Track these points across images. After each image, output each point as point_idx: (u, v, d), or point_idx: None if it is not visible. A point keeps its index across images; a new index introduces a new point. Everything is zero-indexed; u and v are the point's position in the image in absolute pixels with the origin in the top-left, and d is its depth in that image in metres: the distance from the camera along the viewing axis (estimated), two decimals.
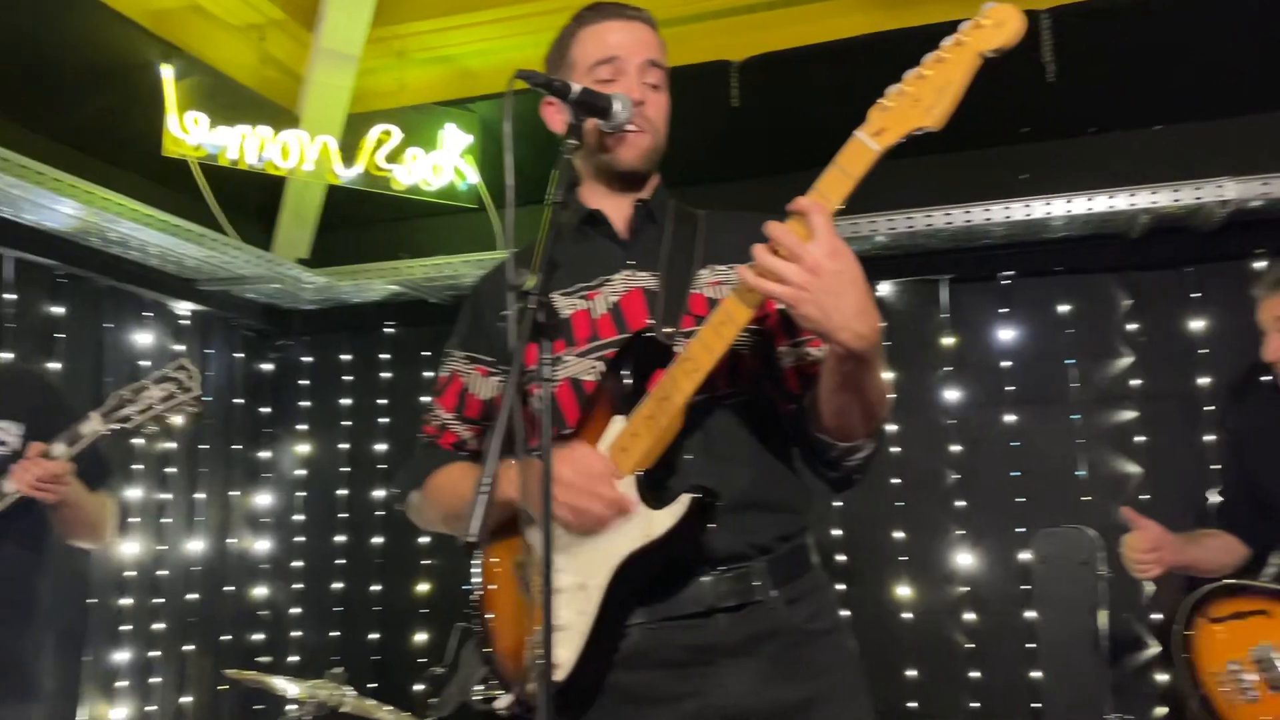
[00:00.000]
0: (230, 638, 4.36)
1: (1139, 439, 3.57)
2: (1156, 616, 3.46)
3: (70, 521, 2.54)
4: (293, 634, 4.47)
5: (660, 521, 1.47)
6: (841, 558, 3.79)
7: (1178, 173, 3.29)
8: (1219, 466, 3.26)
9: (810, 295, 1.32)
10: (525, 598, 1.59)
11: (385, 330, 4.50)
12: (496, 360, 1.75)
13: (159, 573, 4.03)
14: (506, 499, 1.41)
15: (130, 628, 3.86)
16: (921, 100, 1.30)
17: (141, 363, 3.93)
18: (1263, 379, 3.29)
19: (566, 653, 1.52)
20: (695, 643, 1.54)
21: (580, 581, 1.53)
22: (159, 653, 3.99)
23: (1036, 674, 3.46)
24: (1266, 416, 2.84)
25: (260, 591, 4.52)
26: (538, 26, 3.77)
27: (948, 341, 3.78)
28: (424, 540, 4.28)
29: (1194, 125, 3.53)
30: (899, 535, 3.73)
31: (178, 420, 2.48)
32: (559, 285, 1.67)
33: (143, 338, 3.97)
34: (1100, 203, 3.28)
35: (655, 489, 1.51)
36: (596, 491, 1.48)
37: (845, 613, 3.75)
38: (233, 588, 4.40)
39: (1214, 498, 3.16)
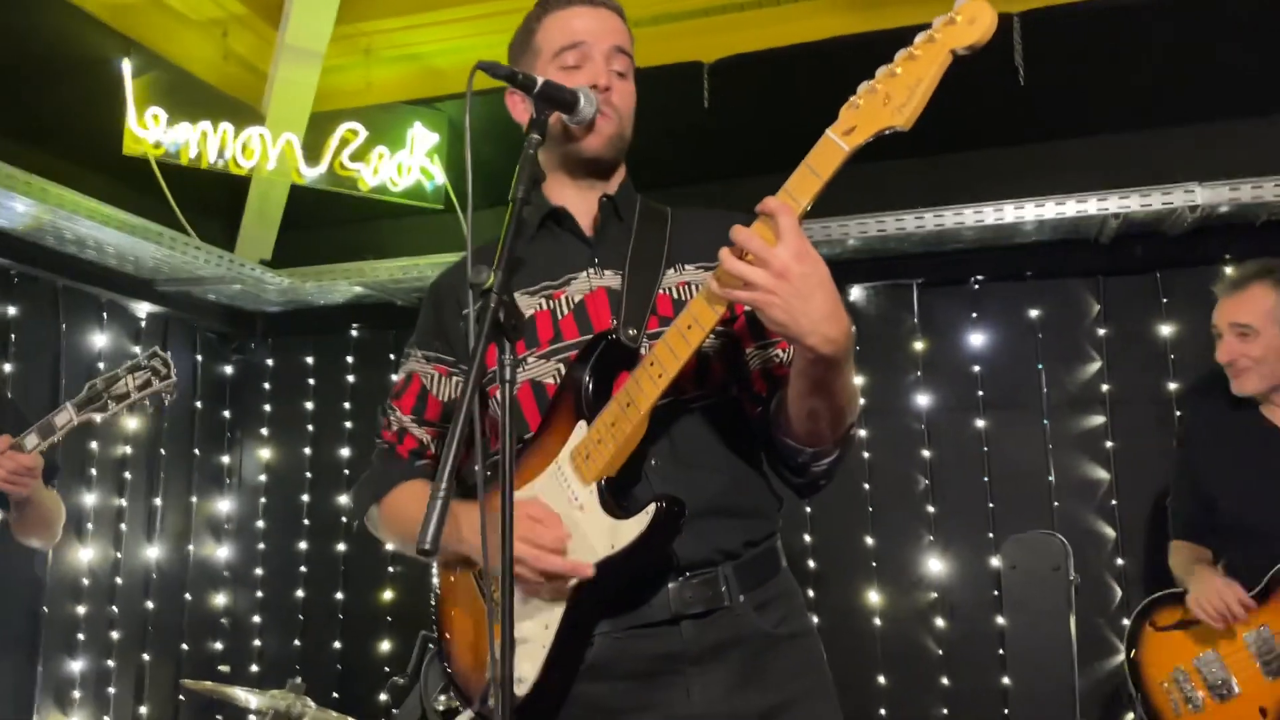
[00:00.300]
0: (189, 647, 4.27)
1: (1108, 444, 3.56)
2: (1126, 622, 3.45)
3: (30, 519, 2.49)
4: (254, 643, 4.39)
5: (625, 532, 1.43)
6: (812, 563, 3.76)
7: (1147, 178, 3.30)
8: None
9: (778, 300, 1.29)
10: (486, 610, 1.54)
11: (350, 333, 4.43)
12: (457, 360, 1.69)
13: (116, 580, 3.95)
14: (462, 554, 1.40)
15: (86, 636, 3.77)
16: (892, 98, 1.27)
17: (99, 364, 3.84)
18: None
19: (529, 667, 1.48)
20: (661, 651, 1.51)
21: (541, 594, 1.49)
22: (116, 662, 3.90)
23: (1006, 680, 3.44)
24: (1217, 421, 2.86)
25: (221, 599, 4.44)
26: (507, 25, 3.68)
27: (918, 346, 3.76)
28: (389, 547, 4.20)
29: (1163, 130, 3.53)
30: (869, 541, 3.71)
31: (148, 407, 2.47)
32: (522, 284, 1.64)
33: (99, 339, 3.89)
34: (1070, 207, 3.27)
35: (620, 497, 1.46)
36: (546, 569, 1.43)
37: (815, 619, 3.73)
38: (192, 595, 4.31)
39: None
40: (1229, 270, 2.90)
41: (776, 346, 1.61)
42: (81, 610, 3.76)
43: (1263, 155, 3.32)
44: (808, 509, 3.74)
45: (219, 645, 4.41)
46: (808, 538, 3.76)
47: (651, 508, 1.41)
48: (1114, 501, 3.52)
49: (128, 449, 3.99)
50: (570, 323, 1.60)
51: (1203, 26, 3.38)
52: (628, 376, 1.47)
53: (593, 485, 1.47)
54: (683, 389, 1.54)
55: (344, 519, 4.30)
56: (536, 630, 1.48)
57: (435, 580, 1.72)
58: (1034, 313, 3.67)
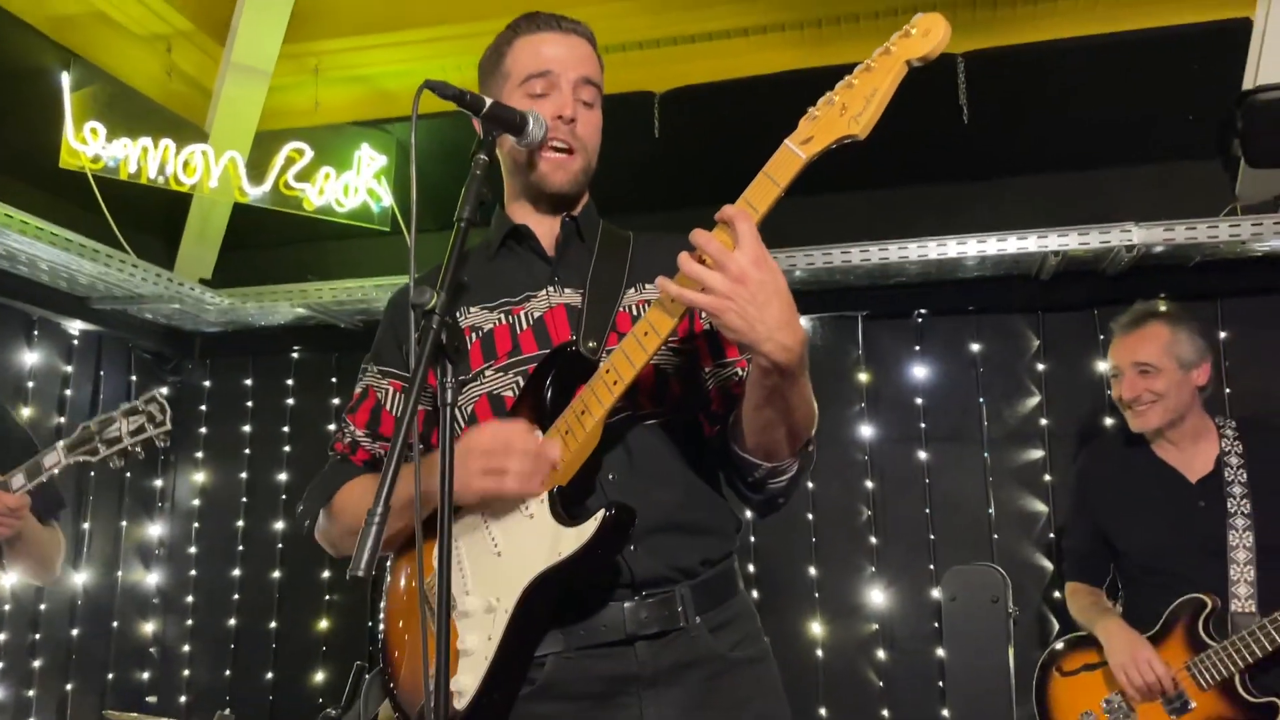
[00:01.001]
0: (115, 676, 4.13)
1: (1047, 477, 3.61)
2: None
3: (22, 555, 2.43)
4: (183, 672, 4.26)
5: (571, 540, 1.41)
6: (755, 593, 3.75)
7: (1086, 217, 3.37)
8: None
9: (734, 304, 1.29)
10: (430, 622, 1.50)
11: (291, 355, 4.35)
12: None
13: (40, 606, 3.81)
14: (408, 499, 1.35)
15: (6, 664, 3.63)
16: (849, 108, 1.30)
17: (28, 383, 3.73)
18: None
19: (469, 679, 1.45)
20: (614, 672, 1.48)
21: (487, 604, 1.46)
22: (37, 691, 3.76)
23: (946, 713, 3.45)
24: (1112, 462, 2.95)
25: (149, 627, 4.30)
26: (457, 49, 3.72)
27: (863, 377, 3.79)
28: (325, 575, 4.13)
29: (1102, 171, 3.62)
30: (813, 571, 3.71)
31: (140, 454, 2.40)
32: (483, 299, 1.64)
33: (29, 357, 3.77)
34: (1012, 244, 3.32)
35: (572, 507, 1.45)
36: (515, 448, 1.41)
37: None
38: (120, 623, 4.18)
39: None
40: (1124, 314, 2.98)
41: (735, 365, 1.61)
42: (2, 637, 3.61)
43: (1197, 198, 3.42)
44: (751, 538, 3.74)
45: (146, 675, 4.27)
46: (751, 567, 3.75)
47: (600, 514, 1.40)
48: (1051, 534, 3.57)
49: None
50: (529, 337, 1.60)
51: (1142, 71, 3.47)
52: (584, 388, 1.47)
53: (545, 494, 1.45)
54: (641, 405, 1.54)
55: (280, 545, 4.21)
56: (479, 642, 1.45)
57: (384, 592, 1.68)
58: (975, 347, 3.72)
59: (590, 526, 1.40)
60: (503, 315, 1.62)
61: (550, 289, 1.63)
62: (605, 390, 1.42)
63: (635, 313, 1.60)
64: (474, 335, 1.60)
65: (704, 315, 1.43)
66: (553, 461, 1.44)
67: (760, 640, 1.63)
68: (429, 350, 1.26)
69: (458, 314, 1.61)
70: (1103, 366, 3.59)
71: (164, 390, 2.44)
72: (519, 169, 1.66)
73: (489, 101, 1.48)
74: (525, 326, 1.60)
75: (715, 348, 1.61)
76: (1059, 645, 2.90)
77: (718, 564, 1.58)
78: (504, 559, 1.47)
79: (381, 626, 1.64)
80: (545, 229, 1.69)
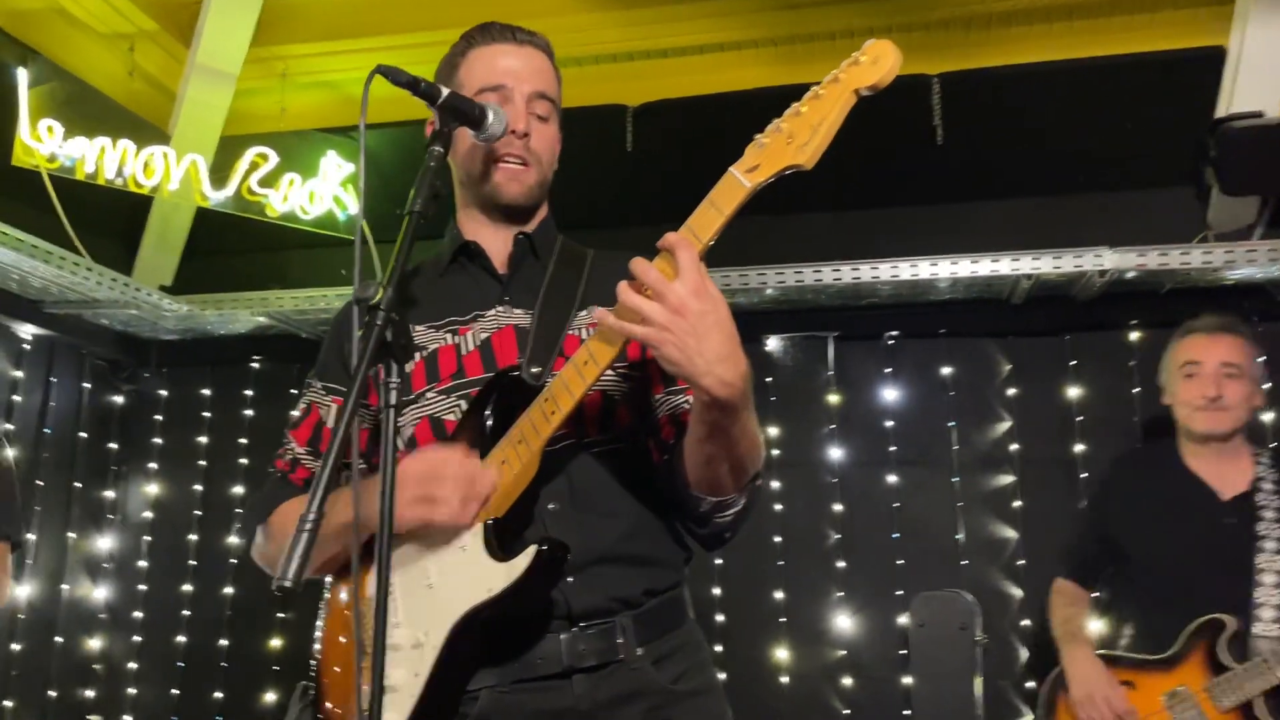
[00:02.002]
0: (57, 694, 3.98)
1: (1016, 503, 3.57)
2: (1031, 685, 3.43)
3: None
4: (128, 690, 4.11)
5: (501, 576, 1.34)
6: (720, 617, 3.67)
7: (1059, 241, 3.35)
8: None
9: (673, 336, 1.24)
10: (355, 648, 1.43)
11: (251, 365, 4.25)
12: (360, 393, 1.59)
13: None
14: (345, 523, 1.29)
15: None
16: (796, 137, 1.25)
17: None
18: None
19: (394, 717, 1.37)
20: (550, 707, 1.41)
21: (415, 638, 1.39)
22: None
23: None
24: (1141, 470, 2.90)
25: (95, 643, 4.16)
26: (427, 56, 3.63)
27: (833, 399, 3.74)
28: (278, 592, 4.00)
29: (1075, 196, 3.61)
30: (779, 595, 3.65)
31: None
32: (429, 318, 1.57)
33: None
34: (984, 266, 3.30)
35: (506, 539, 1.38)
36: (448, 475, 1.35)
37: (722, 675, 3.64)
38: (64, 638, 4.03)
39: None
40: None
41: (685, 393, 1.54)
42: None
43: (1169, 226, 3.41)
44: (717, 560, 3.66)
45: (90, 693, 4.11)
46: (716, 590, 3.68)
47: (531, 550, 1.34)
48: (1021, 561, 3.52)
49: None
50: (475, 359, 1.53)
51: (1115, 97, 3.47)
52: (523, 416, 1.40)
53: (478, 526, 1.38)
54: (586, 432, 1.48)
55: (233, 560, 4.09)
56: (406, 678, 1.38)
57: (320, 617, 1.60)
58: (946, 370, 3.69)
59: (521, 563, 1.33)
60: (449, 335, 1.56)
61: (499, 309, 1.57)
62: (542, 419, 1.37)
63: (584, 335, 1.53)
64: (417, 355, 1.54)
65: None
66: (487, 491, 1.38)
67: (707, 671, 1.55)
68: (372, 348, 1.18)
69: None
70: (1073, 393, 3.57)
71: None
72: (471, 180, 1.61)
73: (445, 91, 1.41)
74: (471, 348, 1.54)
75: (666, 374, 1.54)
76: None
77: (662, 593, 1.52)
78: (435, 592, 1.41)
79: (316, 648, 1.57)
80: (498, 245, 1.63)
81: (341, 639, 1.54)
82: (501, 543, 1.37)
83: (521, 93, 1.57)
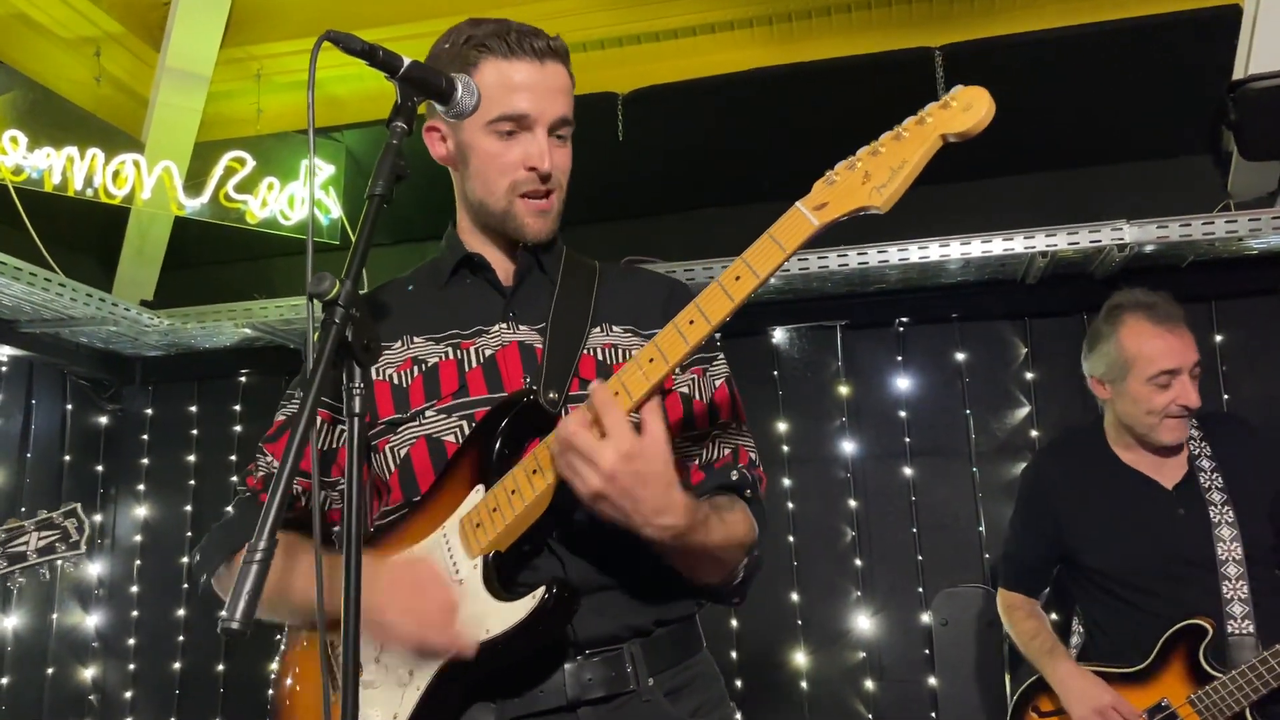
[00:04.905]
0: None
1: None
2: None
3: None
4: None
5: (506, 616, 1.24)
6: (734, 623, 3.53)
7: (1071, 217, 3.20)
8: None
9: (608, 500, 1.21)
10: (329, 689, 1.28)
11: (238, 378, 4.11)
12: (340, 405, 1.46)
13: None
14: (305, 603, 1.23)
15: None
16: (872, 177, 1.17)
17: None
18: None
19: None
20: None
21: (398, 677, 1.26)
22: None
23: None
24: (1085, 475, 2.63)
25: (88, 673, 4.02)
26: (411, 50, 3.52)
27: (843, 390, 3.60)
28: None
29: (1090, 170, 3.47)
30: (794, 597, 3.50)
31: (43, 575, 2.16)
32: (429, 330, 1.46)
33: None
34: (997, 245, 3.15)
35: (508, 575, 1.28)
36: (431, 645, 1.26)
37: (738, 683, 3.49)
38: (55, 669, 3.89)
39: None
40: (1142, 295, 2.58)
41: (700, 445, 1.47)
42: None
43: (1186, 196, 3.27)
44: None
45: None
46: None
47: (540, 591, 1.24)
48: None
49: None
50: (479, 377, 1.43)
51: (1127, 63, 3.33)
52: (539, 444, 1.30)
53: (479, 559, 1.28)
54: None
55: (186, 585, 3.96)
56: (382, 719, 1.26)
57: (282, 647, 1.46)
58: (960, 356, 3.54)
59: (524, 606, 1.24)
60: (450, 349, 1.46)
61: (504, 325, 1.48)
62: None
63: (599, 356, 1.45)
64: (416, 369, 1.45)
65: (675, 384, 1.46)
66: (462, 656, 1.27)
67: (724, 707, 1.45)
68: (331, 348, 1.04)
69: (401, 341, 1.47)
70: None
71: (94, 518, 2.20)
72: (488, 209, 1.49)
73: (406, 61, 1.27)
74: (475, 364, 1.44)
75: (687, 421, 1.47)
76: (1035, 680, 2.57)
77: (674, 623, 1.42)
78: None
79: (272, 678, 1.46)
80: (501, 258, 1.53)
81: (294, 684, 1.43)
82: (502, 578, 1.28)
83: (544, 123, 1.45)
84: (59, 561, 2.18)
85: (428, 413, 1.42)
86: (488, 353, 1.45)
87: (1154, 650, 2.39)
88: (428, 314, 1.49)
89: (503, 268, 1.53)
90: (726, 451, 1.47)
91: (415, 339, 1.47)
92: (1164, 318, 2.51)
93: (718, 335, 1.41)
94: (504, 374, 1.43)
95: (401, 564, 1.32)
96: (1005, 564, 2.79)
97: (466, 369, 1.44)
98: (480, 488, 1.32)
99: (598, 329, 1.47)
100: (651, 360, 1.24)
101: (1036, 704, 2.54)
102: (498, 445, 1.32)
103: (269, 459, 1.55)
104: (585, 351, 1.44)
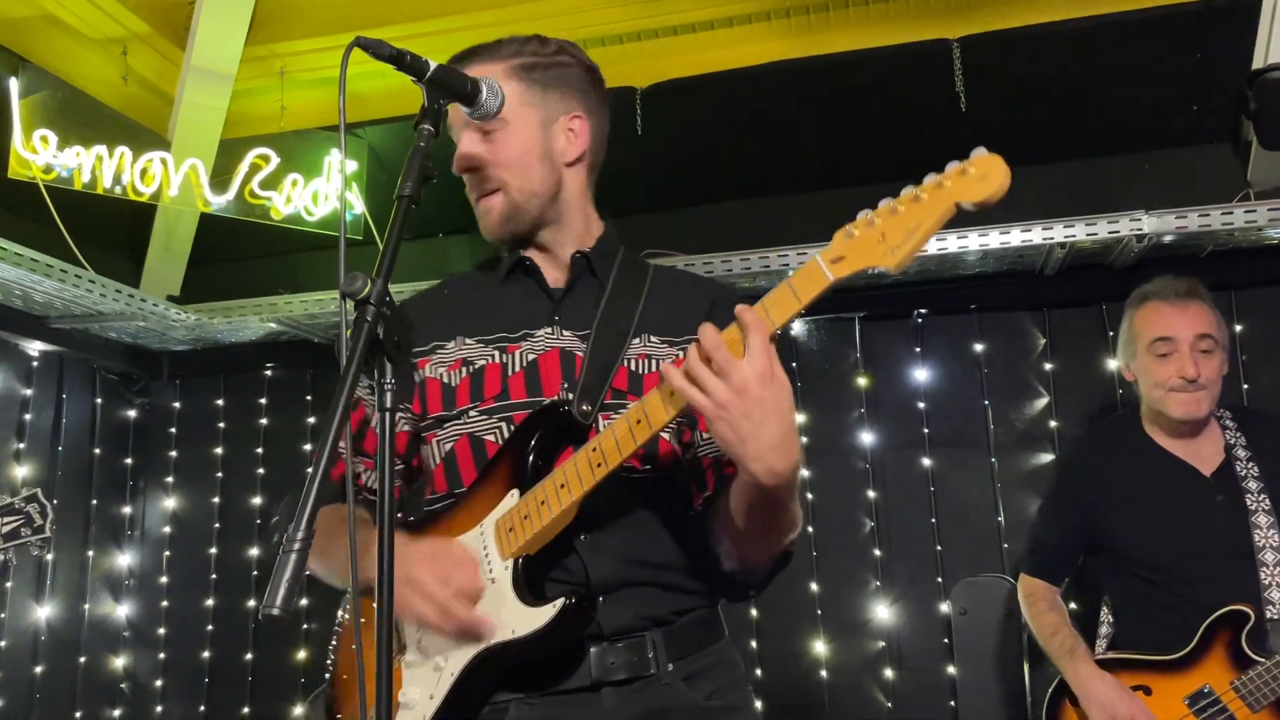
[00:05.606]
0: (83, 714, 3.92)
1: None
2: None
3: None
4: (156, 708, 4.06)
5: (524, 621, 1.32)
6: (754, 612, 3.56)
7: (1090, 208, 3.20)
8: None
9: (729, 416, 1.22)
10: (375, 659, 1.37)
11: (264, 372, 4.17)
12: (401, 396, 1.55)
13: (0, 643, 3.60)
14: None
15: None
16: (888, 238, 1.20)
17: None
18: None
19: None
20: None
21: (435, 662, 1.35)
22: None
23: None
24: (1124, 460, 2.64)
25: (119, 662, 4.10)
26: (433, 46, 3.55)
27: (862, 382, 3.62)
28: (303, 603, 3.93)
29: (1108, 159, 3.47)
30: (814, 587, 3.53)
31: (11, 560, 2.20)
32: (478, 331, 1.53)
33: None
34: (1015, 236, 3.16)
35: (535, 579, 1.35)
36: (453, 614, 1.33)
37: (758, 672, 3.53)
38: (87, 658, 3.97)
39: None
40: (1159, 281, 2.63)
41: None
42: None
43: (1205, 186, 3.26)
44: None
45: (117, 712, 4.06)
46: None
47: (560, 601, 1.32)
48: None
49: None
50: (520, 381, 1.49)
51: (1145, 53, 3.32)
52: (571, 454, 1.36)
53: (510, 562, 1.36)
54: (627, 461, 1.41)
55: (255, 573, 4.01)
56: (420, 697, 1.36)
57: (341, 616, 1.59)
58: (979, 347, 3.55)
59: (546, 613, 1.32)
60: (496, 352, 1.52)
61: (549, 329, 1.53)
62: (588, 470, 1.34)
63: (635, 367, 1.49)
64: (465, 370, 1.52)
65: None
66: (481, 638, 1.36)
67: (741, 690, 1.51)
68: (363, 346, 1.08)
69: (455, 341, 1.54)
70: (1112, 365, 3.42)
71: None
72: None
73: (432, 65, 1.31)
74: (517, 369, 1.50)
75: None
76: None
77: (693, 612, 1.47)
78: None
79: (333, 643, 1.56)
80: (553, 262, 1.59)
81: (353, 647, 1.52)
82: (530, 583, 1.35)
83: (456, 125, 1.55)
84: (31, 549, 2.22)
85: (470, 413, 1.48)
86: (530, 357, 1.50)
87: (1195, 637, 2.39)
88: (480, 316, 1.55)
89: (552, 271, 1.58)
90: None
91: (467, 340, 1.54)
92: (1171, 294, 2.55)
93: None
94: (544, 379, 1.49)
95: (442, 542, 1.40)
96: (1031, 549, 2.80)
97: (509, 373, 1.49)
98: (515, 492, 1.39)
99: (638, 339, 1.51)
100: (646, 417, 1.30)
101: (1073, 695, 2.54)
102: (532, 455, 1.39)
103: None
104: (622, 363, 1.48)
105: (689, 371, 1.25)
